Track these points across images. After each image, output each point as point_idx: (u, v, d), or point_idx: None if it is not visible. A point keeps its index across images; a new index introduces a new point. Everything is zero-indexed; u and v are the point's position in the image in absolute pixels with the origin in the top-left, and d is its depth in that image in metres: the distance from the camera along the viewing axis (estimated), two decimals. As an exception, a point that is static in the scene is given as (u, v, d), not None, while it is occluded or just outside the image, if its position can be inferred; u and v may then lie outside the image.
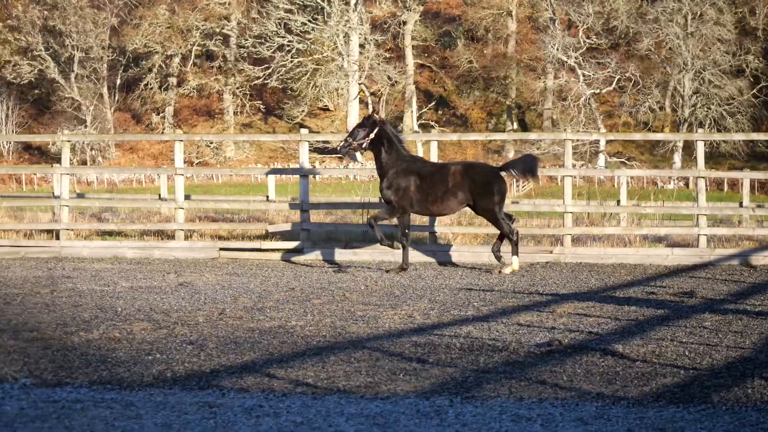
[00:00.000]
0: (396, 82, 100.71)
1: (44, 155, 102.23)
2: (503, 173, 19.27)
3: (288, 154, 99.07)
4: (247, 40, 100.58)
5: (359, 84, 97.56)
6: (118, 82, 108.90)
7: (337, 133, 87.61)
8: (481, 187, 18.81)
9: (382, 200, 19.75)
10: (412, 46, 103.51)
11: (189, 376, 9.07)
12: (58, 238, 22.51)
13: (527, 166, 19.52)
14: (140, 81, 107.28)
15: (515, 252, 18.97)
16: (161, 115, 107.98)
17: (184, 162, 23.17)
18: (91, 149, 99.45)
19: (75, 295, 14.88)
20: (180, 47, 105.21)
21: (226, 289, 15.80)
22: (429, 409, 7.86)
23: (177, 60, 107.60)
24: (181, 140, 23.10)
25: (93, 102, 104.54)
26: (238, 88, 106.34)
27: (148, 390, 8.47)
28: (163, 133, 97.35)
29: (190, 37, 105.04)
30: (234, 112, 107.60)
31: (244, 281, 17.13)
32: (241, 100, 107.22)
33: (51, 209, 25.52)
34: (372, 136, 18.81)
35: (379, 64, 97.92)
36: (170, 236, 22.82)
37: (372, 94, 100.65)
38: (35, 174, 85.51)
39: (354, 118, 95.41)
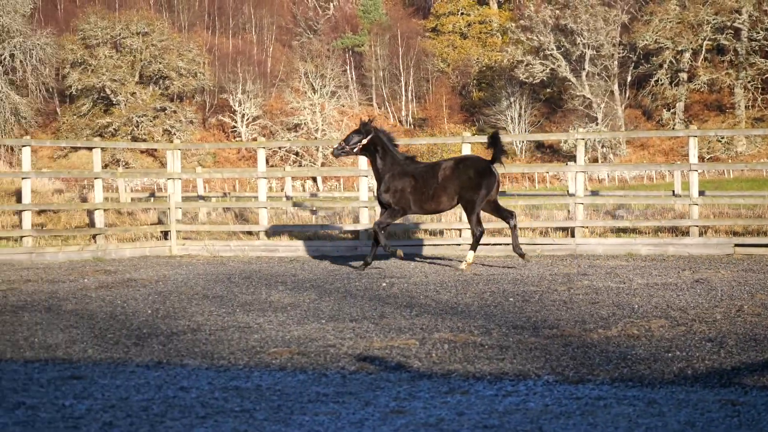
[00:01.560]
0: None
1: (555, 153, 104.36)
2: (494, 166, 18.86)
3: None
4: (758, 32, 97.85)
5: None
6: (629, 78, 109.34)
7: None
8: (470, 180, 18.68)
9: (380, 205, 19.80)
10: None
11: (709, 374, 8.95)
12: (573, 235, 22.90)
13: (498, 145, 18.86)
14: (650, 77, 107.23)
15: (473, 247, 19.01)
16: (672, 110, 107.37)
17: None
18: (602, 146, 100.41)
19: (591, 292, 15.05)
20: (690, 42, 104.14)
21: (742, 286, 15.45)
22: None
23: (687, 55, 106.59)
24: (696, 136, 22.85)
25: (603, 99, 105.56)
26: (749, 82, 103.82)
27: (669, 387, 8.43)
28: (674, 128, 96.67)
29: (700, 32, 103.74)
30: (745, 106, 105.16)
31: (761, 277, 16.67)
32: (752, 93, 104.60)
33: (565, 207, 26.01)
34: (365, 141, 19.24)
35: None
36: (684, 233, 22.62)
37: None
38: (548, 172, 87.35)
39: None
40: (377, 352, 10.30)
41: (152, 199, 42.90)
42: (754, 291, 14.71)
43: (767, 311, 12.55)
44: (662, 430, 6.94)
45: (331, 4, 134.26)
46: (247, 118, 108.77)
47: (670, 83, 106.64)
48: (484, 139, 26.88)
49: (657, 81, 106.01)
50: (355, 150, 19.46)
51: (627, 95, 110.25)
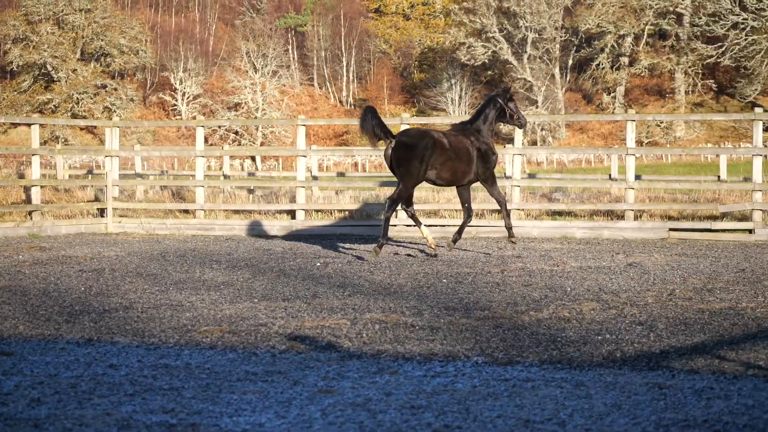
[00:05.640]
0: None
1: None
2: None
3: (739, 134, 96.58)
4: (700, 18, 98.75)
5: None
6: (570, 62, 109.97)
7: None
8: None
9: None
10: None
11: (638, 357, 9.01)
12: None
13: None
14: (592, 61, 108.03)
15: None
16: (612, 95, 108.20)
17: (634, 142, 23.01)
18: (542, 129, 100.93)
19: (524, 274, 15.11)
20: (633, 27, 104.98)
21: (675, 270, 15.57)
22: None
23: (629, 39, 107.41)
24: (634, 120, 23.00)
25: (544, 82, 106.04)
26: (690, 67, 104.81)
27: (598, 370, 8.49)
28: (613, 113, 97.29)
29: (643, 17, 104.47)
30: (685, 92, 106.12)
31: (694, 262, 16.82)
32: (692, 78, 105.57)
33: (502, 189, 26.08)
34: None
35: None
36: (620, 216, 22.79)
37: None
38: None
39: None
40: (308, 331, 10.29)
41: (90, 176, 42.53)
42: (686, 275, 14.83)
43: (698, 295, 12.66)
44: (588, 412, 6.98)
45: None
46: (188, 97, 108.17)
47: (611, 67, 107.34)
48: (424, 120, 26.70)
49: (598, 65, 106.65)
50: None
51: (568, 79, 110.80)
